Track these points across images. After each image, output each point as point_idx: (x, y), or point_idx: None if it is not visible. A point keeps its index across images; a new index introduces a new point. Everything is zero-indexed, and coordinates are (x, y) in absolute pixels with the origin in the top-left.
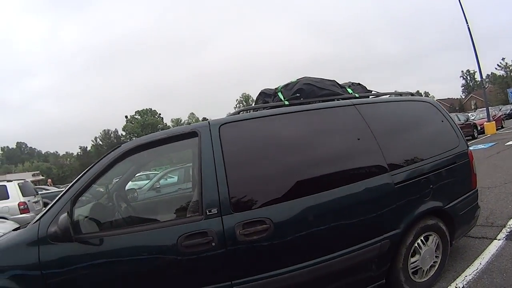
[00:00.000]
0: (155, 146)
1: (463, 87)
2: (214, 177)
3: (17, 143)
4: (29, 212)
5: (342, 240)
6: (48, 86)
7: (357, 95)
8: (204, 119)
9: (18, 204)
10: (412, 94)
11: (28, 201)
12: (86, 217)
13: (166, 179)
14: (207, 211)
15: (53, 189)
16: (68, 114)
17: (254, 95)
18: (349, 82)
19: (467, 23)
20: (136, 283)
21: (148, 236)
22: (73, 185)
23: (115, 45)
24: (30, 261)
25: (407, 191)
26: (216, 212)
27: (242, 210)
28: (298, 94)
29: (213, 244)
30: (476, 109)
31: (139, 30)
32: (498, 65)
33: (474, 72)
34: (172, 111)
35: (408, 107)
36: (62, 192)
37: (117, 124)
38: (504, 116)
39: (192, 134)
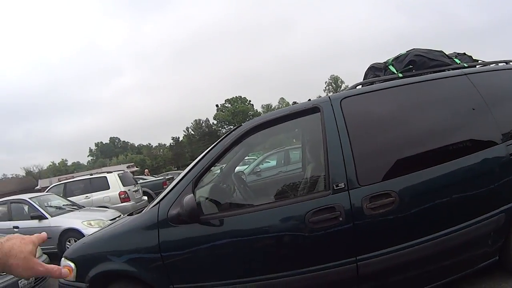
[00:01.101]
0: (277, 124)
1: None
2: (339, 151)
3: (110, 138)
4: (130, 200)
5: (461, 213)
6: (136, 82)
7: (465, 65)
8: (294, 103)
9: (119, 194)
10: None
11: (128, 190)
12: (207, 198)
13: (263, 164)
14: (334, 186)
15: (150, 178)
16: (158, 107)
17: (343, 77)
18: (454, 52)
19: None
20: (261, 262)
21: (273, 214)
22: (193, 166)
23: (199, 36)
24: (149, 244)
25: None
26: (343, 186)
27: (368, 184)
28: (411, 66)
29: (341, 219)
30: None
31: (221, 19)
32: None
33: None
34: (261, 97)
35: None
36: (182, 175)
37: (208, 114)
38: None
39: (314, 109)
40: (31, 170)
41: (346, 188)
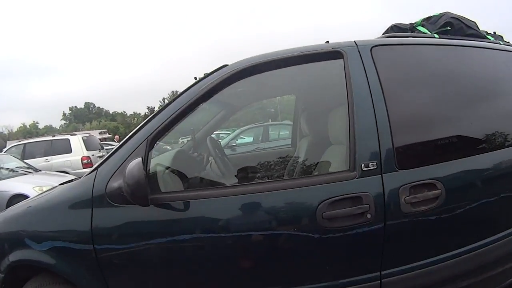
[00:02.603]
0: (277, 68)
1: None
2: (371, 114)
3: (85, 103)
4: (92, 166)
5: (509, 217)
6: (115, 48)
7: (501, 43)
8: None
9: (81, 159)
10: None
11: (92, 155)
12: (167, 168)
13: (237, 140)
14: (363, 165)
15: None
16: (136, 75)
17: None
18: (484, 31)
19: None
20: (245, 272)
21: (268, 201)
22: (149, 120)
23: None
24: (79, 229)
25: None
26: (375, 167)
27: (409, 167)
28: (448, 28)
29: (369, 216)
30: None
31: None
32: None
33: None
34: None
35: None
36: (132, 132)
37: (186, 85)
38: None
39: (334, 54)
40: (1, 131)
41: (379, 171)
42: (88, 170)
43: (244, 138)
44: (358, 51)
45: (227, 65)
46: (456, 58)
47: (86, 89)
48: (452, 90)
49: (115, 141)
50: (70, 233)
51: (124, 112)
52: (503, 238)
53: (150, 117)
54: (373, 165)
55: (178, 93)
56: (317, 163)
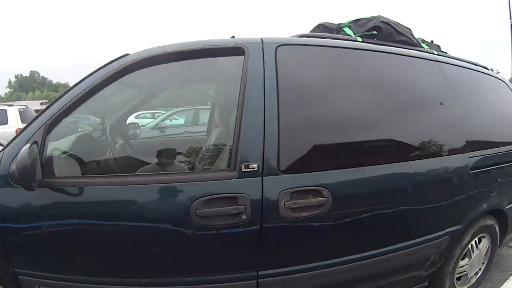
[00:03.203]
0: (177, 60)
1: None
2: (261, 115)
3: (31, 71)
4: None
5: (408, 228)
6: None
7: (435, 52)
8: None
9: (16, 131)
10: (486, 68)
11: None
12: (65, 152)
13: (171, 120)
14: (243, 166)
15: None
16: (84, 46)
17: None
18: (420, 38)
19: None
20: (125, 260)
21: (147, 192)
22: (50, 106)
23: None
24: None
25: (479, 181)
26: (256, 169)
27: (293, 172)
28: (375, 32)
29: (244, 217)
30: None
31: None
32: None
33: None
34: None
35: (488, 82)
36: (35, 116)
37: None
38: None
39: (235, 50)
40: None
41: (260, 173)
42: None
43: (178, 119)
44: (262, 49)
45: (129, 54)
46: (365, 63)
47: (33, 57)
48: (353, 100)
49: None
50: None
51: (67, 83)
52: (388, 252)
53: (51, 102)
54: (254, 167)
55: (78, 80)
56: (209, 156)
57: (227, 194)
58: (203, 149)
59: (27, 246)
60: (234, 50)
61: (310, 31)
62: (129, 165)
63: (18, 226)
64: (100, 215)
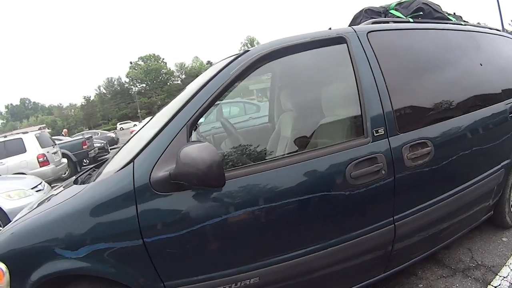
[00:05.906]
0: (294, 52)
1: None
2: (375, 90)
3: (21, 99)
4: (49, 164)
5: (479, 165)
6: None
7: (462, 23)
8: (209, 62)
9: (37, 157)
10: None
11: (47, 152)
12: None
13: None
14: (374, 132)
15: (67, 139)
16: (69, 63)
17: (259, 38)
18: (445, 11)
19: None
20: (289, 236)
21: (309, 167)
22: (185, 105)
23: None
24: (122, 226)
25: None
26: (383, 132)
27: (407, 130)
28: (421, 13)
29: (383, 172)
30: None
31: None
32: None
33: None
34: (175, 56)
35: (505, 41)
36: (155, 120)
37: (121, 72)
38: None
39: (338, 39)
40: None
41: (386, 135)
42: (46, 167)
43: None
44: (357, 36)
45: (249, 50)
46: (436, 40)
47: (20, 84)
48: (431, 69)
49: (63, 135)
50: (112, 232)
51: (60, 104)
52: (471, 186)
53: (182, 104)
54: (381, 131)
55: (206, 80)
56: (313, 133)
57: (370, 155)
58: (287, 131)
59: (179, 254)
60: (337, 39)
61: (355, 15)
62: (263, 151)
63: (167, 236)
64: (269, 198)
